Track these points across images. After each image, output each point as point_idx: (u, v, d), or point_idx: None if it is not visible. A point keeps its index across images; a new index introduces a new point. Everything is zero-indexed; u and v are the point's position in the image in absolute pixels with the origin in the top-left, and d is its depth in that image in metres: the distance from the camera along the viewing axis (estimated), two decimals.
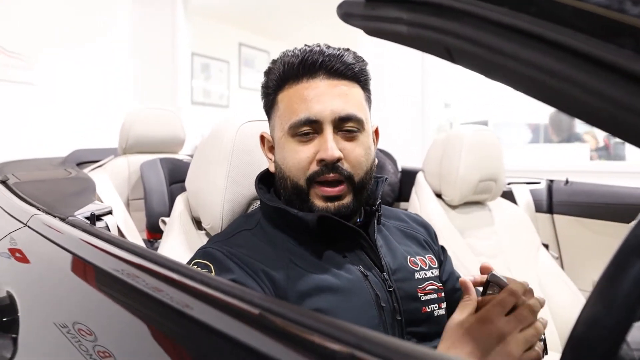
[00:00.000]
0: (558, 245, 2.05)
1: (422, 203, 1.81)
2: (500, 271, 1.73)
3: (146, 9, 4.43)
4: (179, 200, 1.24)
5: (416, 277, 0.97)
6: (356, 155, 0.90)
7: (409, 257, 1.00)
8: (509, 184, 2.10)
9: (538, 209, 2.11)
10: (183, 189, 2.03)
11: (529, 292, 0.75)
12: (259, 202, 1.12)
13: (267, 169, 1.05)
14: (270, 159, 0.99)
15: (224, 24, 6.17)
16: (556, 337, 1.65)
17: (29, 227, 0.97)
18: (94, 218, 1.00)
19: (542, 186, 2.14)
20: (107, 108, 3.97)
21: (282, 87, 0.93)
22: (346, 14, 0.64)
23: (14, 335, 0.76)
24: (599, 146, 4.30)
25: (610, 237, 1.91)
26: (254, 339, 0.50)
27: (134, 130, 2.11)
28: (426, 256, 1.03)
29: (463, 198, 1.78)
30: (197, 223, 1.22)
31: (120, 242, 0.80)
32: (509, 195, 2.05)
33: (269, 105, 0.98)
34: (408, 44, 0.58)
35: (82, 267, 0.81)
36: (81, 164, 1.97)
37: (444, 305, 1.00)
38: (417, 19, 0.54)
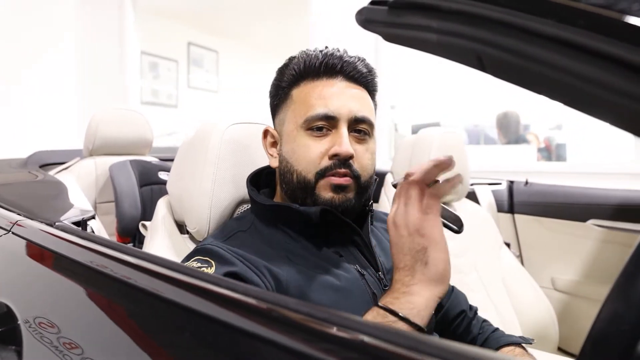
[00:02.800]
0: (518, 244, 2.13)
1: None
2: (467, 270, 1.79)
3: (93, 7, 4.29)
4: (162, 204, 1.21)
5: None
6: (365, 158, 0.92)
7: None
8: (471, 184, 2.16)
9: (499, 208, 2.18)
10: (153, 192, 2.01)
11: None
12: (245, 205, 1.12)
13: (257, 170, 1.05)
14: (272, 155, 0.99)
15: (173, 23, 6.05)
16: (520, 333, 1.70)
17: (13, 233, 0.93)
18: (85, 223, 0.96)
19: (503, 187, 2.22)
20: (53, 109, 3.82)
21: (298, 83, 0.95)
22: (366, 20, 0.64)
23: (14, 347, 0.72)
24: (540, 147, 4.49)
25: (567, 235, 2.00)
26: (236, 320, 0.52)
27: (101, 131, 2.04)
28: None
29: None
30: (180, 227, 1.20)
31: (117, 246, 0.78)
32: (471, 196, 2.11)
33: (280, 99, 0.98)
34: (434, 52, 0.60)
35: (81, 272, 0.79)
36: (44, 166, 1.89)
37: None
38: (449, 27, 0.55)
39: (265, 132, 1.00)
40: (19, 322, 0.76)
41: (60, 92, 3.97)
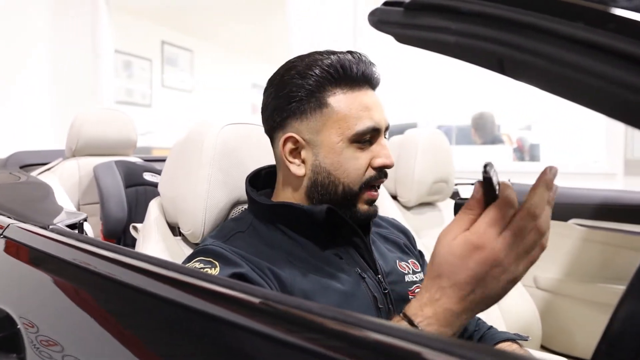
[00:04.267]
0: None
1: (380, 205, 1.84)
2: None
3: (66, 5, 4.20)
4: (154, 205, 1.19)
5: (406, 280, 1.00)
6: None
7: (397, 260, 1.02)
8: (455, 184, 2.18)
9: None
10: (138, 193, 1.98)
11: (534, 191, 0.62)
12: (240, 207, 1.10)
13: (255, 170, 1.04)
14: (293, 162, 0.92)
15: (146, 21, 5.98)
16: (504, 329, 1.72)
17: (5, 237, 0.90)
18: (81, 226, 0.94)
19: None
20: (25, 109, 3.73)
21: (333, 90, 0.89)
22: (380, 21, 0.64)
23: (15, 355, 0.70)
24: (513, 147, 4.56)
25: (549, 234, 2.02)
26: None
27: (85, 131, 2.00)
28: (409, 261, 1.07)
29: (418, 199, 1.83)
30: (172, 229, 1.18)
31: (119, 249, 0.76)
32: (455, 196, 2.13)
33: (309, 105, 0.90)
34: (451, 54, 0.59)
35: (81, 276, 0.77)
36: (25, 167, 1.84)
37: None
38: (469, 30, 0.54)
39: (290, 138, 0.92)
40: (18, 326, 0.73)
41: (33, 91, 3.88)
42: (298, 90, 0.90)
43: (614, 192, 1.97)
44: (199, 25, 6.42)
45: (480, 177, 0.63)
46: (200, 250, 0.87)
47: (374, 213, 0.95)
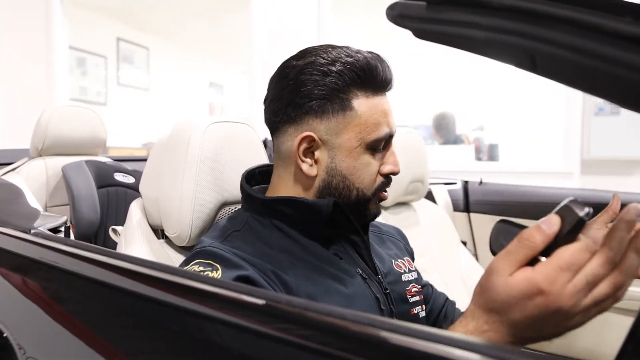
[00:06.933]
0: (474, 242, 2.17)
1: None
2: (430, 269, 1.81)
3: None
4: (135, 207, 1.14)
5: (403, 280, 0.99)
6: None
7: (393, 260, 1.01)
8: (430, 184, 2.19)
9: (455, 208, 2.22)
10: (109, 194, 1.90)
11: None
12: (227, 207, 1.07)
13: (250, 168, 1.00)
14: (305, 161, 0.88)
15: (101, 16, 5.81)
16: None
17: None
18: (68, 230, 0.88)
19: (459, 186, 2.26)
20: None
21: (356, 93, 0.86)
22: (400, 15, 0.61)
23: None
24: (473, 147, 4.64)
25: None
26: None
27: (52, 129, 1.90)
28: (405, 259, 1.06)
29: (395, 199, 1.82)
30: (155, 231, 1.12)
31: (115, 254, 0.72)
32: (429, 196, 2.14)
33: (334, 105, 0.85)
34: (477, 50, 0.58)
35: (68, 281, 0.72)
36: None
37: (424, 307, 1.03)
38: (501, 25, 0.53)
39: (307, 137, 0.87)
40: (5, 334, 0.68)
41: None
42: (322, 88, 0.85)
43: (580, 191, 2.02)
44: (156, 23, 6.29)
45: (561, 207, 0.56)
46: (198, 252, 0.83)
47: (379, 211, 0.96)
